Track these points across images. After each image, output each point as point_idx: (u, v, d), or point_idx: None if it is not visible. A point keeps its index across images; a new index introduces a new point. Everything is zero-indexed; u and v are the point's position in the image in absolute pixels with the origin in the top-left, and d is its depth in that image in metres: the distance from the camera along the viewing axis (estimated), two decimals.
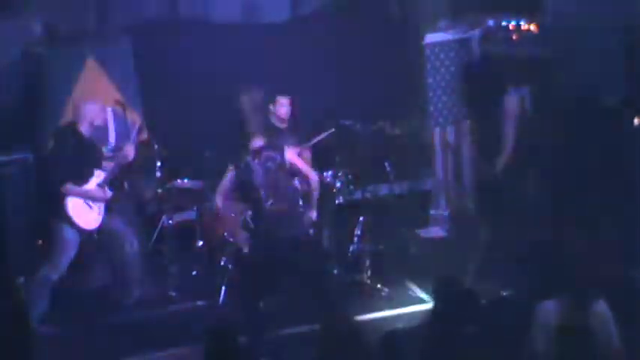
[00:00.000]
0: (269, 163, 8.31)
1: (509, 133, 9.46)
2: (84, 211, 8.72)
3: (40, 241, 9.19)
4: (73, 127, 8.85)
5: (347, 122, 10.07)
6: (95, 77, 9.97)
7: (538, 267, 8.18)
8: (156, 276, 9.60)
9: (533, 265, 8.45)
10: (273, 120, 9.62)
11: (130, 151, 8.84)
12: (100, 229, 8.85)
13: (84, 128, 8.80)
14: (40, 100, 9.90)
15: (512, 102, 9.49)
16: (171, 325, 8.76)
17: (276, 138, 9.48)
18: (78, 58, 9.96)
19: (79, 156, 8.75)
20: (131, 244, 8.99)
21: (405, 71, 11.01)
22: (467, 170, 11.08)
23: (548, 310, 6.06)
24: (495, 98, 9.58)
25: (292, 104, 9.60)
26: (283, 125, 9.67)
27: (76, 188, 8.68)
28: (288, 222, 8.30)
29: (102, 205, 8.80)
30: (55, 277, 8.66)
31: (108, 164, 8.92)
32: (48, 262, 8.68)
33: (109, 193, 8.81)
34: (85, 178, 8.74)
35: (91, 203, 8.74)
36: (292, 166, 8.52)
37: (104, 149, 9.56)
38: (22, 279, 8.85)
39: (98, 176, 8.81)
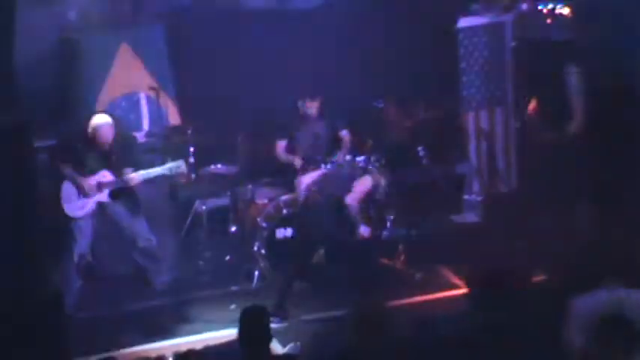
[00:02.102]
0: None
1: (578, 102, 9.40)
2: (71, 197, 8.78)
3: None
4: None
5: (380, 106, 10.05)
6: (129, 63, 10.02)
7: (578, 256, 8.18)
8: (189, 261, 9.66)
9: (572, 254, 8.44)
10: (301, 112, 9.67)
11: (133, 179, 8.83)
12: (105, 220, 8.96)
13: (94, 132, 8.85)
14: (75, 86, 9.96)
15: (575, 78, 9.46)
16: (205, 310, 8.80)
17: (304, 126, 9.57)
18: (112, 44, 10.01)
19: (82, 149, 8.83)
20: (148, 241, 9.03)
21: (438, 55, 10.96)
22: (500, 154, 11.05)
23: (585, 301, 6.03)
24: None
25: (321, 105, 9.64)
26: (311, 113, 9.71)
27: (71, 171, 8.78)
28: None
29: (91, 201, 8.84)
30: (75, 256, 8.77)
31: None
32: (71, 244, 8.81)
33: (103, 196, 8.87)
34: (82, 169, 8.81)
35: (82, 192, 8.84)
36: None
37: (137, 135, 9.68)
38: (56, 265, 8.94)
39: (104, 177, 8.86)
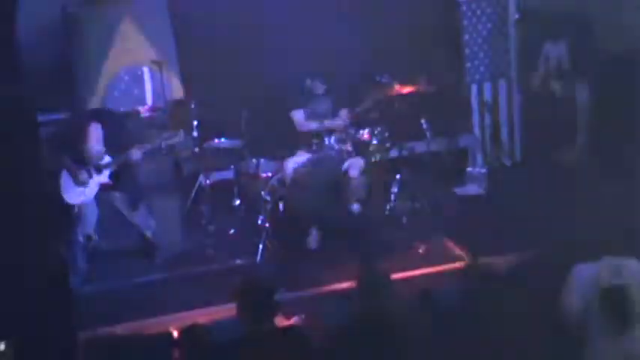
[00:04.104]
0: None
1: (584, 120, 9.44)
2: (69, 186, 8.84)
3: None
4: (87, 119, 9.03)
5: (383, 79, 10.04)
6: (132, 36, 10.01)
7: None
8: (193, 234, 9.68)
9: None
10: (308, 89, 9.67)
11: (135, 154, 8.89)
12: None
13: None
14: (78, 59, 9.95)
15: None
16: (209, 284, 8.83)
17: (311, 104, 9.59)
18: (115, 17, 10.00)
19: (79, 145, 8.88)
20: (147, 230, 9.14)
21: (441, 27, 10.95)
22: (504, 126, 11.05)
23: (585, 271, 6.05)
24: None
25: (327, 84, 9.64)
26: (319, 91, 9.72)
27: (68, 161, 8.83)
28: None
29: (91, 186, 8.89)
30: (81, 237, 8.86)
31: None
32: (76, 223, 8.88)
33: (104, 177, 8.91)
34: (81, 160, 8.87)
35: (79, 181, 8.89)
36: None
37: (140, 109, 9.69)
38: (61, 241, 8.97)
39: (102, 159, 8.90)
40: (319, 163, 9.30)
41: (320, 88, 9.72)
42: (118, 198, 9.02)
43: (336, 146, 9.33)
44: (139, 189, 9.17)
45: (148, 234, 9.14)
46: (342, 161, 9.37)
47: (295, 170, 9.33)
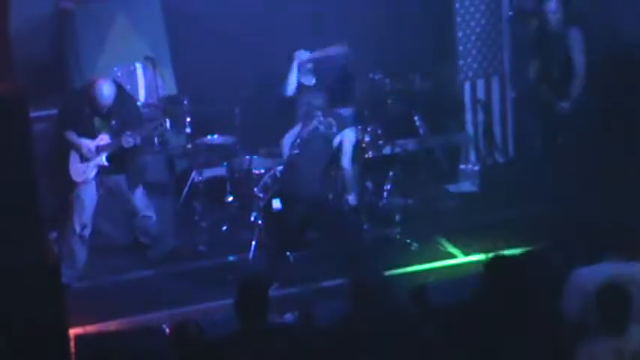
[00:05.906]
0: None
1: (580, 60, 9.47)
2: (75, 162, 8.87)
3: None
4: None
5: (376, 76, 10.04)
6: (125, 32, 9.99)
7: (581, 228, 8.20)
8: (186, 231, 9.67)
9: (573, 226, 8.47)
10: (300, 78, 9.64)
11: (127, 142, 8.81)
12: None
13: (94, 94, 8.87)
14: (71, 55, 9.94)
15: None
16: (202, 281, 8.82)
17: (305, 97, 9.56)
18: (108, 13, 9.98)
19: (84, 112, 8.86)
20: (146, 218, 9.12)
21: (434, 24, 10.95)
22: (497, 124, 11.07)
23: (585, 271, 6.06)
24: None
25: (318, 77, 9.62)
26: (311, 82, 9.68)
27: (75, 137, 8.83)
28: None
29: (91, 165, 8.87)
30: (78, 228, 8.82)
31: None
32: (72, 215, 8.86)
33: (101, 160, 8.89)
34: (84, 133, 8.86)
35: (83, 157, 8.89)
36: None
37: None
38: (54, 234, 8.95)
39: (102, 140, 8.88)
40: (310, 142, 9.17)
41: (311, 80, 9.70)
42: (116, 181, 8.99)
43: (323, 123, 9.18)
44: (138, 170, 9.15)
45: (145, 221, 9.12)
46: (332, 137, 9.28)
47: (291, 147, 9.24)
